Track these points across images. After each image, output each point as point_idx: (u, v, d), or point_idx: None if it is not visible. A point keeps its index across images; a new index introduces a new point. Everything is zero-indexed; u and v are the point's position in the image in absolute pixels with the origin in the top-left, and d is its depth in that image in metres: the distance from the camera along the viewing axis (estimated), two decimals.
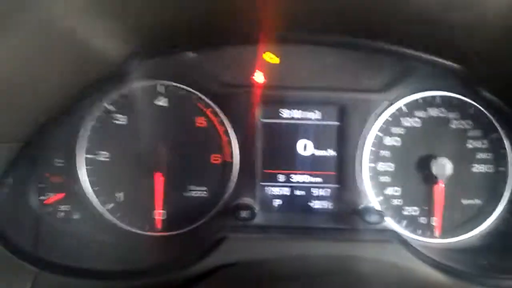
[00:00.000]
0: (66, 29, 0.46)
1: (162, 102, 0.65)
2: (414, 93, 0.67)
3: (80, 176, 0.64)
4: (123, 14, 0.49)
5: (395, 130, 0.67)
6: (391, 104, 0.67)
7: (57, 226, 0.64)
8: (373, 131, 0.66)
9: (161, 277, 0.56)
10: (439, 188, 0.67)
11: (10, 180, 0.59)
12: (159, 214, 0.65)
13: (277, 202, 0.67)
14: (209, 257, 0.56)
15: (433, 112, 0.67)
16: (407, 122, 0.67)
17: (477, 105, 0.67)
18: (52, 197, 0.64)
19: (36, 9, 0.42)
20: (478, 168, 0.67)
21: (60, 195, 0.64)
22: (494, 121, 0.67)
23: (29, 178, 0.62)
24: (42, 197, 0.63)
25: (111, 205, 0.65)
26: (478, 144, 0.67)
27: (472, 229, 0.68)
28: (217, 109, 0.64)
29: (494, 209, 0.69)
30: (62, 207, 0.65)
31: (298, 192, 0.68)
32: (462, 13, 0.48)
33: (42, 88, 0.53)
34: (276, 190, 0.67)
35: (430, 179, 0.65)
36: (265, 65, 0.64)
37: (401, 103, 0.67)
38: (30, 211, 0.62)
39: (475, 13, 0.47)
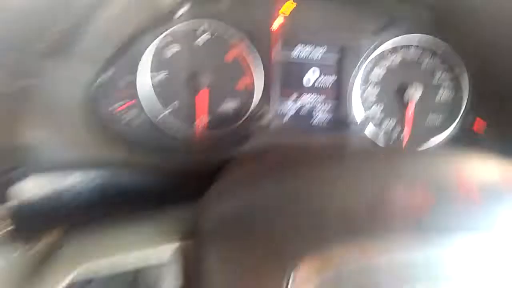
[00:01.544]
0: None
1: (205, 36, 0.78)
2: (398, 35, 0.80)
3: (144, 89, 0.77)
4: None
5: (381, 63, 0.82)
6: (380, 44, 0.80)
7: (121, 130, 0.77)
8: (364, 64, 0.81)
9: (201, 157, 0.74)
10: (410, 108, 0.81)
11: (100, 91, 0.71)
12: (202, 119, 0.80)
13: (289, 114, 0.83)
14: (240, 146, 0.75)
15: (410, 51, 0.82)
16: (391, 58, 0.82)
17: (446, 45, 0.80)
18: (124, 104, 0.76)
19: None
20: (441, 94, 0.82)
21: (129, 103, 0.76)
22: (457, 58, 0.80)
23: (105, 90, 0.74)
24: (116, 104, 0.76)
25: (169, 110, 0.80)
26: (444, 75, 0.82)
27: (432, 139, 0.83)
28: (247, 44, 0.78)
29: (451, 124, 0.83)
30: (130, 112, 0.77)
31: (306, 107, 0.83)
32: None
33: (116, 22, 0.68)
34: (289, 106, 0.83)
35: (404, 101, 0.81)
36: (285, 9, 0.77)
37: (386, 45, 0.81)
38: (106, 112, 0.75)
39: None
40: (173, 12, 0.73)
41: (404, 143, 0.83)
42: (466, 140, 0.82)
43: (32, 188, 0.60)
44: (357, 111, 0.83)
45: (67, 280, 0.37)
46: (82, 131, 0.71)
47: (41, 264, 0.40)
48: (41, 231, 0.46)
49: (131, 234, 0.44)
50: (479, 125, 0.82)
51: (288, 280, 0.32)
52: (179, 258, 0.39)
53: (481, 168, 0.47)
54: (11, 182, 0.56)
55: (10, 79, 0.44)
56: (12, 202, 0.53)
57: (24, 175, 0.57)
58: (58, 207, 0.64)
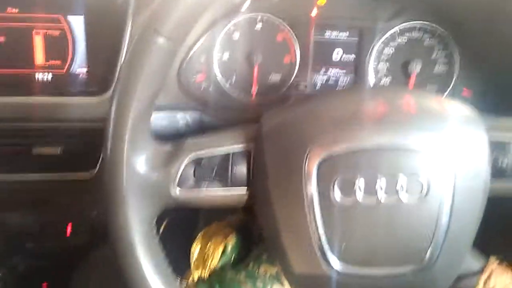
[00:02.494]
0: None
1: (259, 25, 0.95)
2: (404, 22, 0.95)
3: (214, 66, 0.96)
4: None
5: (392, 43, 0.96)
6: (391, 27, 0.95)
7: (199, 94, 0.98)
8: (378, 43, 0.95)
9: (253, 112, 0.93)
10: (412, 79, 0.97)
11: (184, 64, 0.91)
12: (255, 88, 0.97)
13: (319, 83, 1.05)
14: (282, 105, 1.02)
15: (413, 35, 0.98)
16: (399, 39, 1.01)
17: (442, 29, 1.00)
18: (199, 77, 0.96)
19: None
20: (437, 68, 0.98)
21: (203, 76, 0.96)
22: (451, 40, 1.01)
23: (189, 66, 0.94)
24: (194, 76, 0.96)
25: (230, 81, 1.00)
26: (439, 54, 1.02)
27: None
28: (291, 30, 0.94)
29: (444, 92, 0.98)
30: (204, 83, 0.97)
31: (332, 78, 1.02)
32: None
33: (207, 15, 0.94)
34: (319, 77, 1.04)
35: (407, 73, 0.97)
36: (318, 5, 0.98)
37: (396, 28, 0.95)
38: (186, 83, 0.97)
39: None
40: (238, 7, 0.96)
41: None
42: None
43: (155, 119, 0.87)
44: (371, 82, 1.00)
45: (187, 159, 0.56)
46: (174, 93, 1.00)
47: (170, 154, 0.58)
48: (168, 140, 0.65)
49: (217, 138, 0.61)
50: (467, 93, 1.05)
51: (305, 156, 0.51)
52: (247, 152, 0.57)
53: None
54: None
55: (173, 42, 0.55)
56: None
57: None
58: (174, 132, 0.98)
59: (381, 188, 0.51)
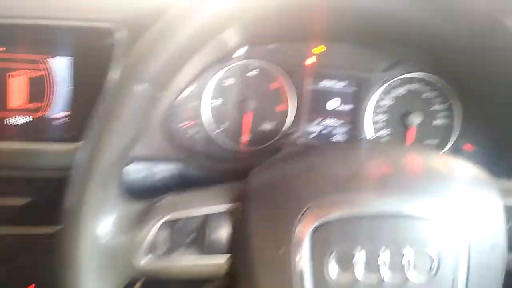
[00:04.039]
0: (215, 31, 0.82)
1: (254, 72, 0.93)
2: (402, 74, 0.93)
3: (204, 112, 0.93)
4: (244, 24, 0.87)
5: (389, 95, 0.94)
6: (388, 80, 0.93)
7: (186, 141, 0.94)
8: (376, 95, 0.93)
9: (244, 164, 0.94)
10: (412, 132, 0.94)
11: (170, 110, 0.88)
12: (245, 137, 0.94)
13: (313, 134, 1.01)
14: (273, 158, 0.96)
15: (414, 85, 0.94)
16: (397, 91, 0.98)
17: (442, 81, 0.97)
18: (187, 124, 0.93)
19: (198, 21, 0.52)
20: (437, 121, 0.95)
21: (192, 123, 0.93)
22: (451, 93, 0.97)
23: (176, 111, 0.91)
24: (182, 123, 0.93)
25: (221, 129, 0.95)
26: (439, 106, 0.99)
27: None
28: (286, 78, 0.92)
29: (444, 147, 0.95)
30: (192, 130, 0.93)
31: (326, 130, 0.97)
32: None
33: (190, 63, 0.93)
34: (313, 128, 0.97)
35: (406, 126, 0.94)
36: (315, 53, 0.96)
37: (394, 79, 0.93)
38: (175, 129, 0.94)
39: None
40: (232, 53, 0.90)
41: None
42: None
43: (133, 170, 0.86)
44: (368, 134, 0.96)
45: (161, 221, 0.51)
46: (158, 141, 0.94)
47: (142, 214, 0.52)
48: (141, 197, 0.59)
49: (198, 197, 0.56)
50: (469, 147, 0.99)
51: (296, 220, 0.45)
52: (231, 214, 0.52)
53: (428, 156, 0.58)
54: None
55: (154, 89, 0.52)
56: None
57: (131, 161, 0.82)
58: (150, 186, 0.90)
59: (385, 263, 0.44)
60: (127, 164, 0.64)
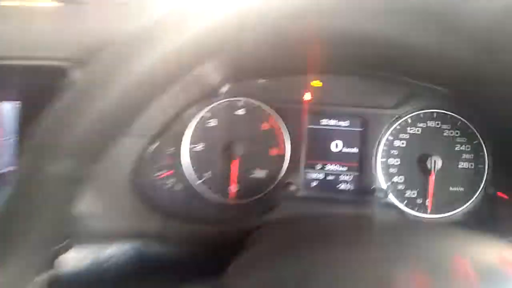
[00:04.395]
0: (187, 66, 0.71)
1: (241, 111, 0.86)
2: (416, 109, 0.85)
3: (183, 159, 0.86)
4: (223, 58, 0.74)
5: (402, 135, 0.86)
6: (400, 117, 0.85)
7: (164, 195, 0.82)
8: (386, 136, 0.86)
9: (232, 225, 0.78)
10: (432, 178, 0.84)
11: (142, 163, 0.78)
12: (233, 188, 0.85)
13: (315, 183, 0.88)
14: (268, 214, 0.79)
15: (431, 123, 0.86)
16: (411, 130, 0.87)
17: (463, 119, 0.85)
18: (164, 173, 0.84)
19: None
20: (462, 165, 0.85)
21: (169, 172, 0.83)
22: (475, 131, 0.85)
23: (151, 161, 0.80)
24: (157, 173, 0.83)
25: (202, 180, 0.86)
26: (463, 147, 0.86)
27: (456, 209, 0.84)
28: (278, 117, 0.85)
29: (473, 196, 0.84)
30: (169, 181, 0.83)
31: (329, 177, 0.87)
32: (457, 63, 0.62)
33: (164, 102, 0.79)
34: (314, 175, 0.88)
35: (426, 171, 0.84)
36: (311, 88, 0.86)
37: (407, 117, 0.85)
38: (148, 182, 0.81)
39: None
40: (215, 91, 0.81)
41: (429, 211, 0.86)
42: (488, 210, 0.84)
43: (72, 259, 0.66)
44: (380, 182, 0.86)
45: None
46: (126, 201, 0.78)
47: None
48: None
49: None
50: (501, 196, 0.83)
51: None
52: None
53: (482, 251, 0.50)
54: (58, 253, 0.57)
55: (79, 166, 0.47)
56: (54, 272, 0.52)
57: (69, 247, 0.62)
58: (95, 279, 0.70)
59: None
60: (60, 253, 0.54)
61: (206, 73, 0.73)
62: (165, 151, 0.84)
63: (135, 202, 0.78)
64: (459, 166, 0.86)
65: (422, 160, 0.85)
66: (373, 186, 0.85)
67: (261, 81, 0.84)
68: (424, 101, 0.85)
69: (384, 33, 0.56)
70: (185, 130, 0.84)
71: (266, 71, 0.82)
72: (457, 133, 0.86)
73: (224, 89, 0.82)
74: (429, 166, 0.83)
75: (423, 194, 0.86)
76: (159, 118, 0.78)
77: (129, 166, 0.77)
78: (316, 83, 0.85)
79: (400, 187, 0.87)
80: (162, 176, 0.85)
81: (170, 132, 0.83)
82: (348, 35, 0.57)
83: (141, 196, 0.79)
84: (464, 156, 0.85)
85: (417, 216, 0.85)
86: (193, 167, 0.86)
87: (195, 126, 0.86)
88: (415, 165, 0.86)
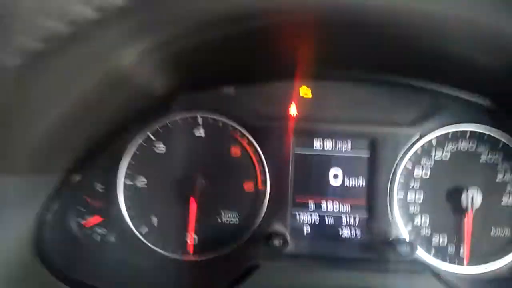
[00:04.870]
0: (115, 67, 0.50)
1: (200, 132, 0.70)
2: (444, 126, 0.69)
3: (118, 201, 0.67)
4: (171, 56, 0.53)
5: (425, 162, 0.70)
6: (421, 138, 0.69)
7: (94, 249, 0.67)
8: (403, 162, 0.69)
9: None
10: (468, 219, 0.67)
11: (55, 206, 0.63)
12: (191, 238, 0.67)
13: (307, 229, 0.69)
14: (241, 286, 0.58)
15: (463, 145, 0.69)
16: (437, 155, 0.69)
17: (506, 140, 0.68)
18: (91, 220, 0.66)
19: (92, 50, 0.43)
20: (507, 201, 0.68)
21: (98, 219, 0.67)
22: None
23: (72, 203, 0.65)
24: (81, 221, 0.66)
25: (145, 229, 0.69)
26: (508, 177, 0.68)
27: (500, 260, 0.69)
28: (253, 140, 0.68)
29: None
30: (100, 230, 0.68)
31: (328, 220, 0.71)
32: (494, 56, 0.50)
33: (88, 120, 0.57)
34: (306, 218, 0.70)
35: (459, 210, 0.67)
36: (298, 99, 0.68)
37: (431, 136, 0.69)
38: (70, 234, 0.66)
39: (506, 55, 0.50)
40: (162, 105, 0.64)
41: (465, 263, 0.68)
42: None
43: None
44: (399, 228, 0.69)
45: None
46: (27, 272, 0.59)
47: None
48: None
49: None
50: None
51: None
52: None
53: None
54: None
55: None
56: None
57: None
58: None
59: None
60: None
61: (149, 79, 0.55)
62: (92, 188, 0.67)
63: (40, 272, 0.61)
64: (503, 203, 0.69)
65: (453, 195, 0.69)
66: (392, 237, 0.66)
67: (228, 89, 0.68)
68: (454, 116, 0.69)
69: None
70: (120, 158, 0.67)
71: (234, 74, 0.65)
72: (498, 158, 0.69)
73: (174, 101, 0.66)
74: (464, 203, 0.67)
75: (456, 240, 0.70)
76: (82, 143, 0.61)
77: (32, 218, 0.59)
78: (305, 91, 0.69)
79: (425, 232, 0.70)
80: (88, 224, 0.66)
81: (99, 161, 0.66)
82: (359, 10, 0.42)
83: (51, 262, 0.60)
84: (510, 189, 0.69)
85: (451, 271, 0.69)
86: (130, 211, 0.68)
87: (135, 153, 0.69)
88: (444, 202, 0.69)
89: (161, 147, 0.68)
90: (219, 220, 0.68)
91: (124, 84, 0.54)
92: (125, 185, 0.68)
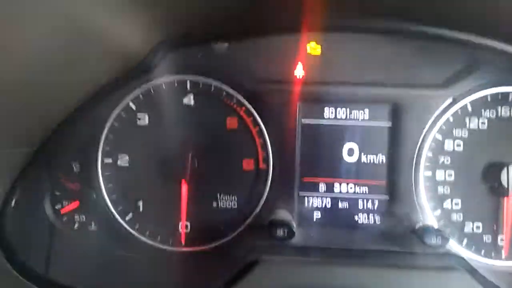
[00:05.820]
0: (87, 20, 0.41)
1: (188, 100, 0.61)
2: (482, 89, 0.60)
3: (97, 182, 0.59)
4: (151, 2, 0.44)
5: (458, 132, 0.62)
6: (455, 102, 0.61)
7: (72, 239, 0.59)
8: (432, 133, 0.62)
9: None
10: (509, 203, 0.60)
11: (22, 187, 0.55)
12: (183, 226, 0.60)
13: (317, 216, 0.61)
14: (238, 285, 0.51)
15: (505, 111, 0.61)
16: (473, 123, 0.61)
17: None
18: (68, 206, 0.58)
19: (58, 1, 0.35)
20: None
21: (76, 204, 0.59)
22: None
23: (44, 185, 0.59)
24: (57, 206, 0.58)
25: (130, 216, 0.61)
26: None
27: None
28: (251, 108, 0.60)
29: None
30: (78, 217, 0.59)
31: (341, 204, 0.64)
32: None
33: (60, 86, 0.49)
34: (316, 202, 0.63)
35: (498, 191, 0.60)
36: (305, 57, 0.58)
37: (466, 101, 0.61)
38: (43, 221, 0.59)
39: None
40: (143, 65, 0.54)
41: (503, 256, 0.60)
42: None
43: None
44: (422, 211, 0.61)
45: None
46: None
47: None
48: None
49: None
50: None
51: None
52: None
53: None
54: None
55: None
56: None
57: None
58: None
59: None
60: None
61: (128, 35, 0.48)
62: (67, 169, 0.59)
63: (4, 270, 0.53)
64: None
65: (491, 173, 0.61)
66: (418, 224, 0.57)
67: (220, 46, 0.59)
68: (494, 75, 0.61)
69: None
70: (96, 132, 0.58)
71: (229, 27, 0.56)
72: None
73: (157, 61, 0.56)
74: (504, 183, 0.59)
75: (494, 228, 0.62)
76: (53, 114, 0.53)
77: None
78: (314, 47, 0.58)
79: (456, 217, 0.61)
80: (65, 210, 0.58)
81: (74, 136, 0.59)
82: None
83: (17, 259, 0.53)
84: None
85: (487, 264, 0.61)
86: (111, 194, 0.60)
87: (113, 125, 0.60)
88: (480, 181, 0.61)
89: (144, 118, 0.59)
90: (215, 205, 0.62)
91: (95, 40, 0.45)
92: (104, 164, 0.59)
